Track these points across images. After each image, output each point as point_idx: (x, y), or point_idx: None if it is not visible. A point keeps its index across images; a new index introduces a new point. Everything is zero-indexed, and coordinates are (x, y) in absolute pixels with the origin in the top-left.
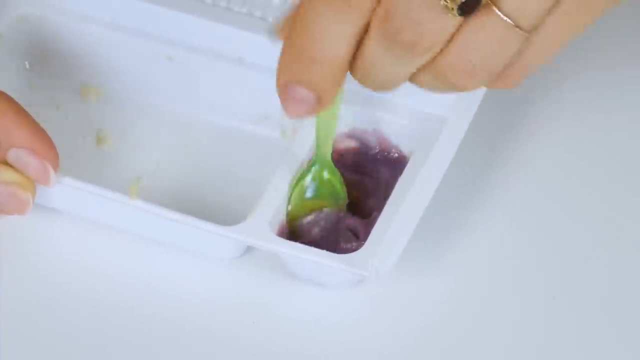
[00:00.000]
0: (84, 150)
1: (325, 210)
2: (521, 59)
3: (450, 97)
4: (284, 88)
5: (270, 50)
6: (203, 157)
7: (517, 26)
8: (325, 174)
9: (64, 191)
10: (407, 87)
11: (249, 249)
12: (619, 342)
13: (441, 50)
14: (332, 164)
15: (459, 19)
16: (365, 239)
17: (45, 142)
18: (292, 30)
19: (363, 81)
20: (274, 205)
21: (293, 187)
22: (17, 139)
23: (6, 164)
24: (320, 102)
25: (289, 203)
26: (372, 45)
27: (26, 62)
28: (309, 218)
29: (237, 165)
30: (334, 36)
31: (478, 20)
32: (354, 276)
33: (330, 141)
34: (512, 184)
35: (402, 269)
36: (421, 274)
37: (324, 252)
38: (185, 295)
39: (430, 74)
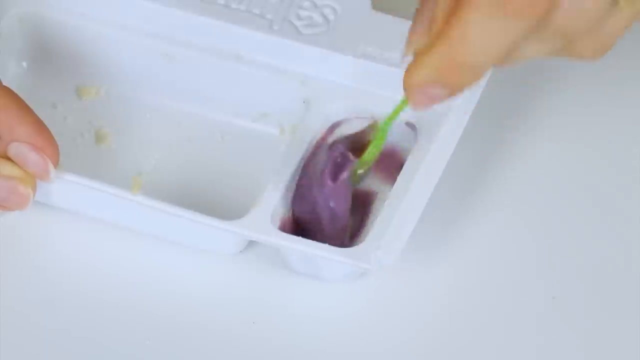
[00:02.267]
0: (84, 149)
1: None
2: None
3: None
4: (420, 84)
5: (269, 48)
6: (202, 154)
7: None
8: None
9: (64, 187)
10: None
11: (249, 245)
12: (619, 337)
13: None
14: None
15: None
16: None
17: (46, 138)
18: (444, 34)
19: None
20: (275, 200)
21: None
22: (18, 134)
23: (7, 158)
24: (454, 95)
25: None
26: (527, 40)
27: (24, 61)
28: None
29: (236, 162)
30: (498, 43)
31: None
32: (356, 269)
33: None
34: (514, 178)
35: (403, 261)
36: (423, 267)
37: (326, 245)
38: (187, 290)
39: (562, 53)
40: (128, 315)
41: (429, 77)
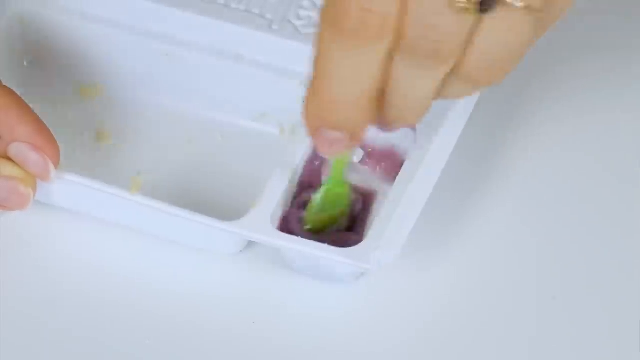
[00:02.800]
0: (84, 148)
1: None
2: (539, 32)
3: None
4: (315, 132)
5: (269, 47)
6: (202, 154)
7: (530, 7)
8: (337, 189)
9: (65, 187)
10: None
11: (249, 245)
12: (619, 337)
13: (464, 53)
14: (343, 180)
15: (477, 17)
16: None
17: (46, 138)
18: (312, 76)
19: (394, 112)
20: (274, 200)
21: (309, 209)
22: (19, 134)
23: (7, 158)
24: (354, 139)
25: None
26: (395, 67)
27: (24, 61)
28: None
29: (236, 162)
30: (353, 73)
31: (495, 15)
32: (356, 269)
33: (346, 164)
34: (513, 178)
35: (403, 261)
36: (422, 266)
37: (326, 245)
38: (187, 290)
39: (458, 80)
40: (128, 314)
41: (314, 121)
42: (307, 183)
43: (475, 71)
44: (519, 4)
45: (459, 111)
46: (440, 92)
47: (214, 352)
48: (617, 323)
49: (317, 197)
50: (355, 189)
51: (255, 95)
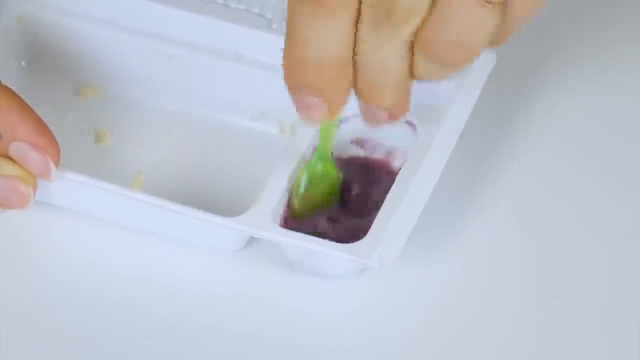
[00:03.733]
0: (83, 149)
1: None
2: (503, 25)
3: (451, 88)
4: (296, 96)
5: (269, 47)
6: (202, 154)
7: (489, 2)
8: (323, 170)
9: (65, 186)
10: None
11: (250, 242)
12: (619, 337)
13: (423, 23)
14: (331, 160)
15: None
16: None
17: (47, 137)
18: (285, 41)
19: (367, 86)
20: (275, 197)
21: (295, 183)
22: (19, 133)
23: (8, 158)
24: (331, 108)
25: (294, 197)
26: (359, 34)
27: (24, 61)
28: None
29: (236, 162)
30: (319, 36)
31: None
32: (358, 266)
33: (331, 140)
34: (514, 178)
35: (404, 259)
36: (423, 264)
37: (328, 241)
38: (187, 288)
39: (423, 56)
40: (128, 313)
41: (290, 79)
42: None
43: (435, 45)
44: None
45: (459, 111)
46: (413, 71)
47: (215, 350)
48: (617, 323)
49: (301, 177)
50: (353, 165)
51: (255, 95)
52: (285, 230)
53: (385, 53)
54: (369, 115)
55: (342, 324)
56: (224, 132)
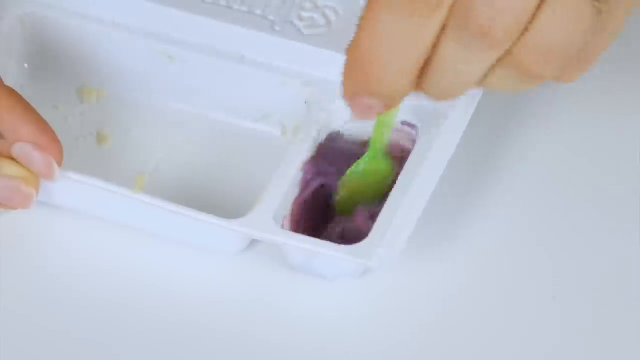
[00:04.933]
0: (85, 150)
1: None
2: (595, 38)
3: None
4: (352, 96)
5: (271, 49)
6: (204, 155)
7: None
8: (376, 164)
9: (67, 187)
10: None
11: (251, 244)
12: (619, 337)
13: (519, 38)
14: (384, 153)
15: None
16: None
17: (50, 138)
18: (357, 37)
19: (430, 88)
20: (277, 198)
21: (347, 176)
22: (22, 134)
23: (11, 158)
24: (390, 107)
25: (341, 190)
26: (445, 42)
27: (25, 63)
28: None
29: (238, 163)
30: (404, 41)
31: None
32: (359, 267)
33: (387, 134)
34: (515, 178)
35: (405, 259)
36: (424, 265)
37: (329, 243)
38: (189, 289)
39: (505, 66)
40: (130, 313)
41: (354, 87)
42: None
43: (528, 58)
44: None
45: (461, 111)
46: (485, 78)
47: (216, 351)
48: (618, 323)
49: (355, 171)
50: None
51: (257, 97)
52: (287, 232)
53: (469, 69)
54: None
55: (345, 326)
56: (226, 134)
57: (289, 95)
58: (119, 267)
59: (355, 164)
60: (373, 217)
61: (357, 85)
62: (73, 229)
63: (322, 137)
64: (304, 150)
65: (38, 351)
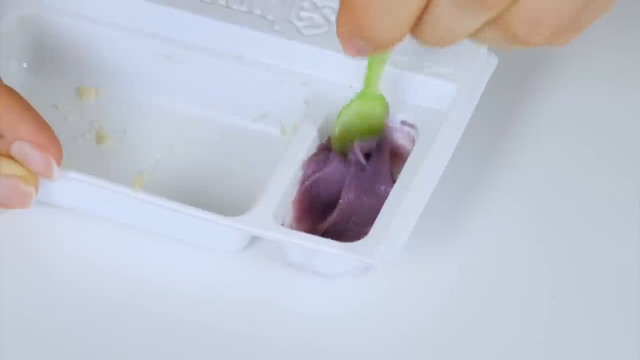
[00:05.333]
0: (84, 150)
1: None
2: (587, 7)
3: (453, 89)
4: (345, 37)
5: (270, 48)
6: (203, 155)
7: None
8: (370, 103)
9: (67, 186)
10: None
11: (252, 242)
12: (619, 337)
13: (510, 4)
14: (378, 94)
15: None
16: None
17: (49, 137)
18: None
19: (422, 37)
20: (277, 197)
21: (340, 114)
22: (21, 133)
23: (10, 157)
24: (382, 51)
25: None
26: (440, 2)
27: (25, 62)
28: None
29: (237, 162)
30: None
31: None
32: (359, 265)
33: (379, 74)
34: (515, 177)
35: (406, 258)
36: (425, 262)
37: (330, 241)
38: (189, 288)
39: (496, 28)
40: (130, 312)
41: (348, 32)
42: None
43: (518, 24)
44: None
45: (461, 110)
46: (475, 35)
47: (216, 350)
48: (618, 323)
49: (349, 111)
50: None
51: (256, 96)
52: (287, 230)
53: (461, 26)
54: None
55: (345, 324)
56: (225, 133)
57: (288, 95)
58: (118, 266)
59: (349, 102)
60: (368, 156)
61: (351, 29)
62: (73, 228)
63: (323, 138)
64: (303, 150)
65: (38, 351)
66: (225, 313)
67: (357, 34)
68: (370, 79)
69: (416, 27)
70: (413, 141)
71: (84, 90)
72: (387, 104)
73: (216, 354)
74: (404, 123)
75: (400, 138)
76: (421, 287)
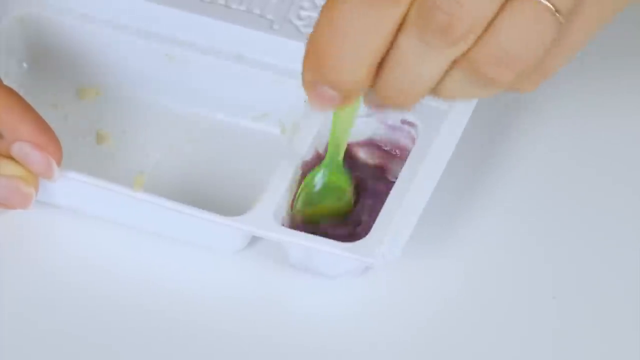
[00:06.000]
0: (85, 150)
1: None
2: (554, 50)
3: None
4: (310, 85)
5: (270, 48)
6: (203, 155)
7: (556, 10)
8: (334, 177)
9: (67, 186)
10: None
11: (252, 242)
12: (619, 337)
13: (476, 40)
14: (342, 166)
15: (499, 1)
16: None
17: (49, 137)
18: (317, 27)
19: (386, 86)
20: (277, 196)
21: (300, 185)
22: (21, 133)
23: (10, 158)
24: (347, 100)
25: (296, 199)
26: (404, 36)
27: (25, 62)
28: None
29: (237, 162)
30: (363, 32)
31: (517, 4)
32: (360, 264)
33: (345, 140)
34: (515, 177)
35: (406, 257)
36: (425, 262)
37: (330, 240)
38: (189, 288)
39: (462, 68)
40: (130, 312)
41: (312, 75)
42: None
43: (484, 60)
44: (545, 2)
45: (460, 110)
46: (440, 83)
47: (216, 350)
48: (618, 323)
49: (314, 182)
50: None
51: (256, 95)
52: (287, 230)
53: (426, 67)
54: (372, 104)
55: (345, 323)
56: (225, 133)
57: (287, 94)
58: (118, 266)
59: (310, 175)
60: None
61: (315, 73)
62: (73, 228)
63: (323, 138)
64: (303, 149)
65: (38, 351)
66: (225, 313)
67: (321, 77)
68: (333, 150)
69: (380, 74)
70: (413, 140)
71: (83, 90)
72: (351, 181)
73: (216, 353)
74: (404, 122)
75: (400, 137)
76: (421, 287)
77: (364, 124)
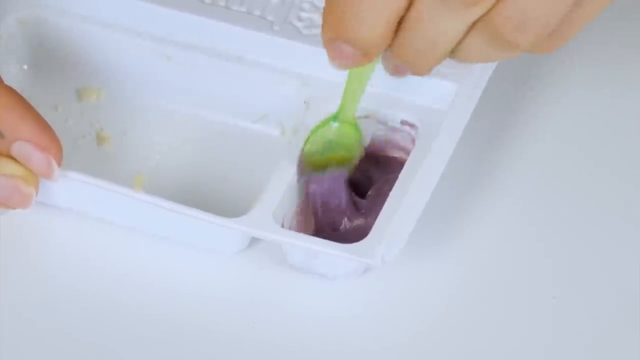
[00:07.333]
0: (85, 151)
1: (331, 171)
2: (573, 14)
3: (453, 88)
4: (330, 42)
5: (270, 49)
6: (203, 156)
7: None
8: (345, 129)
9: (67, 186)
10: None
11: (251, 243)
12: (620, 337)
13: (495, 2)
14: (354, 121)
15: None
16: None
17: (49, 137)
18: None
19: (404, 47)
20: (277, 197)
21: (313, 132)
22: (22, 132)
23: (10, 157)
24: (366, 58)
25: (306, 143)
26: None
27: (25, 64)
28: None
29: (237, 163)
30: None
31: None
32: (360, 265)
33: (358, 96)
34: (515, 177)
35: (406, 257)
36: (425, 262)
37: (329, 242)
38: (188, 289)
39: (481, 31)
40: (130, 313)
41: (332, 32)
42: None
43: (503, 23)
44: None
45: (460, 110)
46: (458, 45)
47: (216, 351)
48: (618, 323)
49: (323, 129)
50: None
51: (256, 96)
52: (287, 231)
53: (444, 28)
54: (391, 67)
55: (345, 324)
56: (225, 134)
57: (287, 95)
58: (118, 267)
59: (322, 124)
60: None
61: (334, 31)
62: (73, 228)
63: None
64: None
65: (38, 351)
66: (224, 314)
67: (340, 34)
68: (348, 100)
69: (398, 35)
70: (413, 140)
71: (84, 91)
72: (361, 133)
73: (216, 354)
74: (403, 122)
75: (400, 138)
76: (421, 287)
77: (364, 124)
